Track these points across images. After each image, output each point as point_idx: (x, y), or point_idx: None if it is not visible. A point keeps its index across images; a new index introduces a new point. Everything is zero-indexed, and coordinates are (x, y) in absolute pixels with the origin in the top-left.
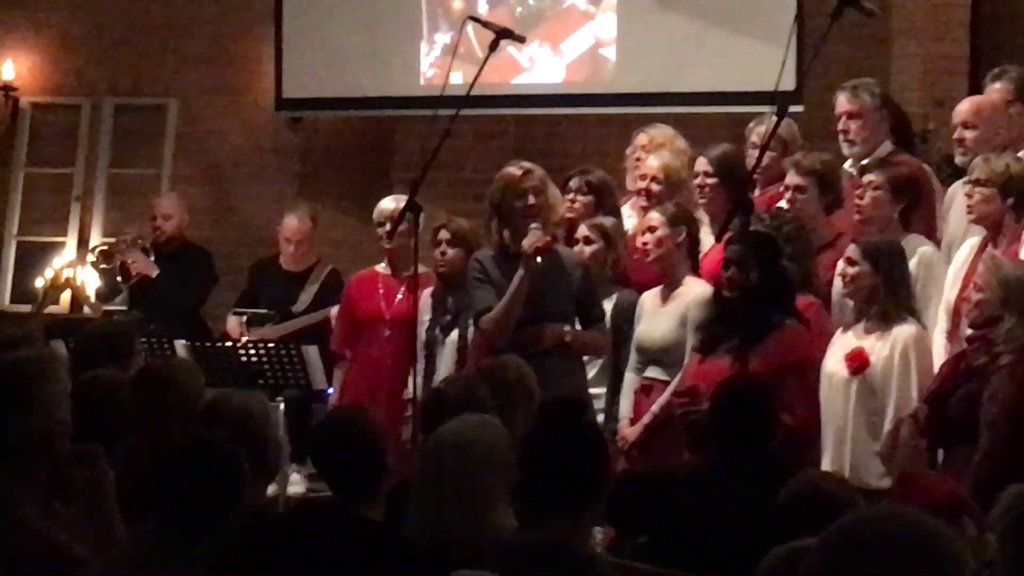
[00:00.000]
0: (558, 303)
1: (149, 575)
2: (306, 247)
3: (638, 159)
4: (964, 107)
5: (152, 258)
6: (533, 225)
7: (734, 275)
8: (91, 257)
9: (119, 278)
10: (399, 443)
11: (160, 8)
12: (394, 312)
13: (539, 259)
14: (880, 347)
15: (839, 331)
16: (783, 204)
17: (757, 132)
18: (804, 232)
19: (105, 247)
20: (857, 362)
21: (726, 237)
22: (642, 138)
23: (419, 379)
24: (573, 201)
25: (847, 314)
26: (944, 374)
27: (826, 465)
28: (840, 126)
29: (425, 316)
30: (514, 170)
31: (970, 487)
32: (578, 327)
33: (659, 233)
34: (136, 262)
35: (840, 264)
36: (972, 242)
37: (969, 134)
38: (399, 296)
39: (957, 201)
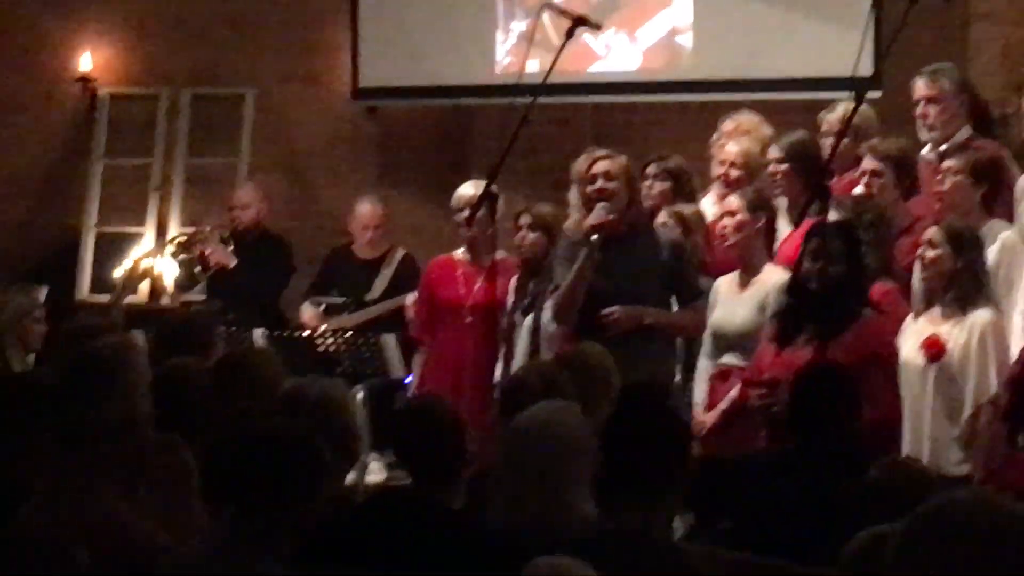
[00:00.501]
0: (645, 284)
1: (230, 563)
2: (380, 233)
3: (722, 145)
4: None
5: (231, 248)
6: (600, 205)
7: (823, 267)
8: (170, 248)
9: (197, 268)
10: (487, 431)
11: None
12: (476, 299)
13: (595, 236)
14: (957, 333)
15: (910, 317)
16: (859, 189)
17: (828, 120)
18: (885, 219)
19: (184, 238)
20: (935, 349)
21: (806, 226)
22: (728, 124)
23: (499, 366)
24: (651, 188)
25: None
26: None
27: (904, 451)
28: (919, 111)
29: (510, 302)
30: (582, 159)
31: None
32: (675, 308)
33: (739, 218)
34: (214, 252)
35: (920, 247)
36: None
37: None
38: (479, 283)
39: None
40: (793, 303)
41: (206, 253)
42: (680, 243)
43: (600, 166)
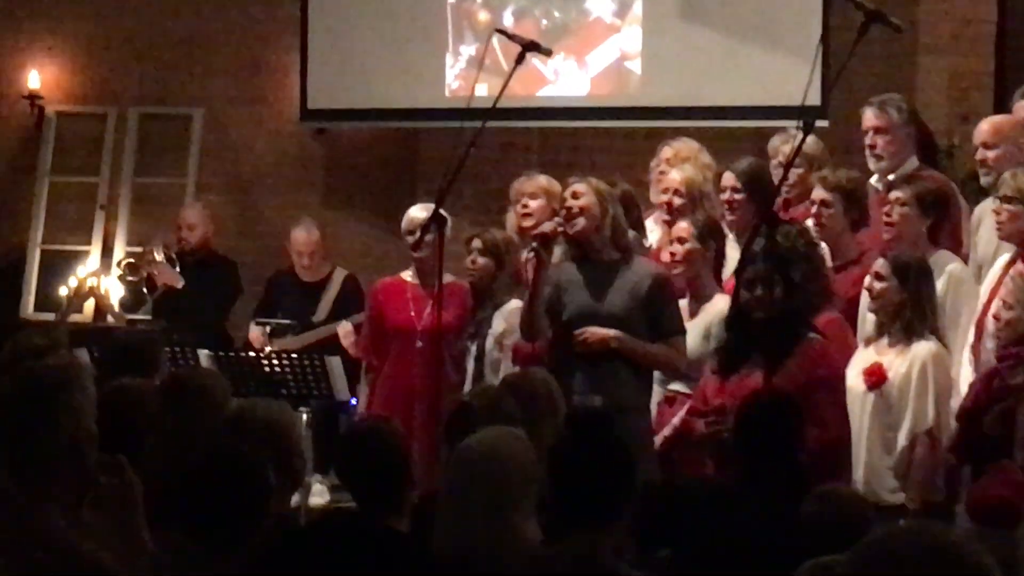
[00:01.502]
0: (620, 309)
1: None
2: (319, 258)
3: (662, 172)
4: (984, 127)
5: (177, 268)
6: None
7: (763, 294)
8: (117, 270)
9: (144, 289)
10: (436, 456)
11: (186, 18)
12: (426, 324)
13: (534, 244)
14: (899, 363)
15: (860, 346)
16: (810, 221)
17: (782, 150)
18: (816, 248)
19: (132, 260)
20: (875, 377)
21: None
22: (667, 151)
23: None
24: None
25: (869, 329)
26: (977, 391)
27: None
28: (867, 141)
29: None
30: (521, 179)
31: None
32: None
33: (688, 246)
34: (162, 273)
35: (867, 278)
36: (1003, 260)
37: (991, 153)
38: (429, 307)
39: (986, 221)
40: (738, 331)
41: (154, 274)
42: (664, 277)
43: (574, 187)
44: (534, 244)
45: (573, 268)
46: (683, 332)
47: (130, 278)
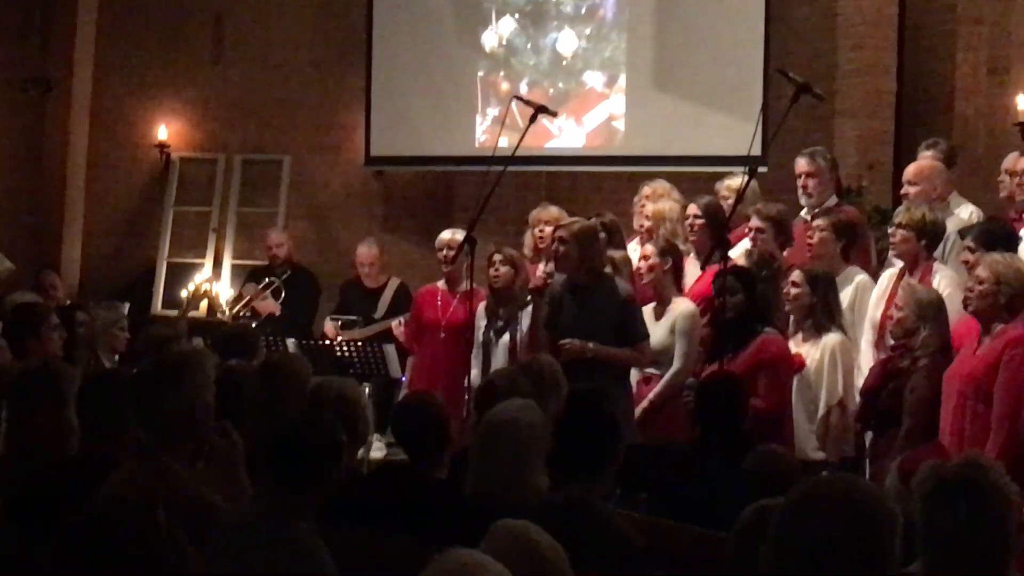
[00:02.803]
0: (598, 327)
1: (270, 522)
2: (378, 268)
3: (642, 206)
4: (910, 169)
5: (278, 298)
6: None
7: (736, 300)
8: (228, 311)
9: (249, 314)
10: (459, 421)
11: (278, 86)
12: (448, 320)
13: (531, 296)
14: (813, 352)
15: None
16: (747, 243)
17: (727, 187)
18: (779, 272)
19: (242, 302)
20: (799, 364)
21: (712, 269)
22: (646, 190)
23: (475, 372)
24: None
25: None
26: (876, 373)
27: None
28: (800, 183)
29: (481, 323)
30: (537, 210)
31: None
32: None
33: (651, 262)
34: (263, 304)
35: (787, 287)
36: (891, 272)
37: (912, 189)
38: (452, 307)
39: None
40: (716, 329)
41: (256, 306)
42: (631, 296)
43: (558, 233)
44: (530, 296)
45: (565, 292)
46: (646, 337)
47: (236, 308)
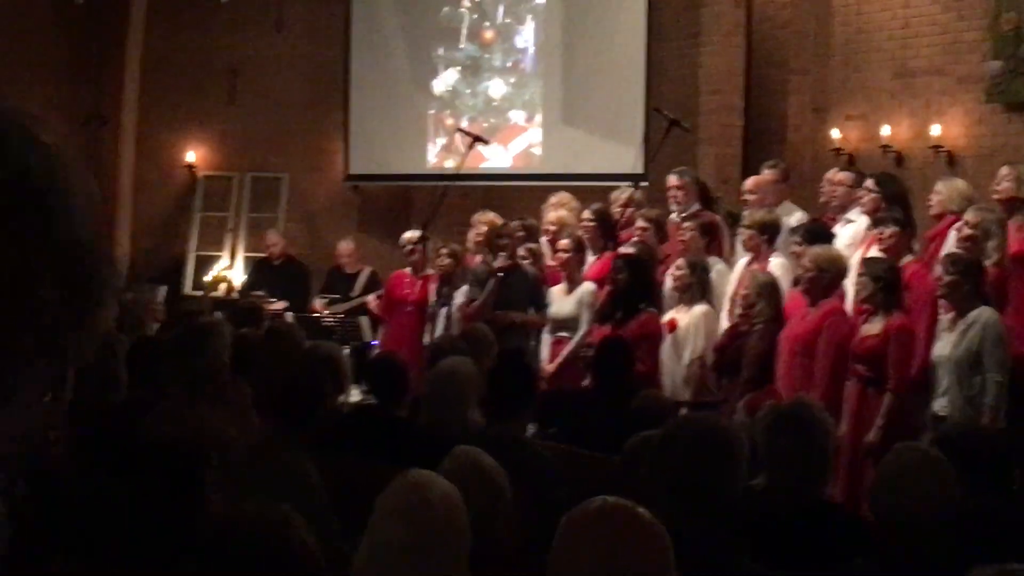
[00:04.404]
0: (518, 300)
1: (274, 450)
2: (354, 259)
3: (549, 211)
4: (748, 183)
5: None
6: (501, 255)
7: (622, 279)
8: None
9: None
10: (418, 373)
11: (278, 120)
12: (414, 297)
13: (500, 274)
14: (685, 318)
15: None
16: (636, 238)
17: (618, 199)
18: (656, 260)
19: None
20: (672, 326)
21: (605, 257)
22: (553, 199)
23: (427, 336)
24: (514, 235)
25: (672, 301)
26: (727, 334)
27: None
28: (671, 194)
29: (432, 299)
30: (479, 214)
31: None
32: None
33: (569, 255)
34: (273, 306)
35: (672, 271)
36: (743, 261)
37: (751, 198)
38: (416, 288)
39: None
40: (607, 300)
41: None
42: (538, 277)
43: (507, 231)
44: (500, 273)
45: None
46: (546, 306)
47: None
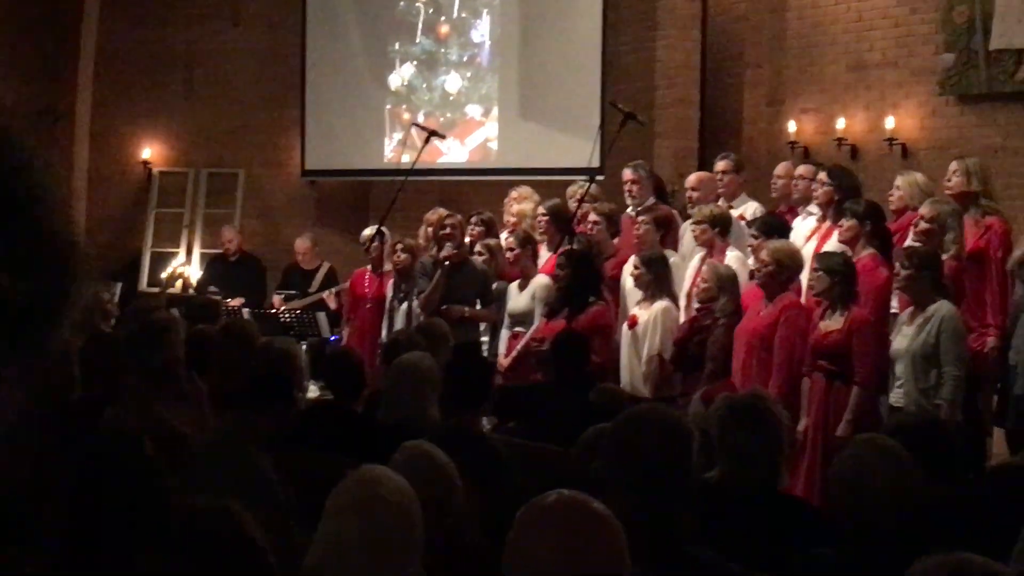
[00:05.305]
0: (466, 294)
1: (231, 447)
2: (312, 255)
3: (510, 206)
4: (691, 179)
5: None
6: (448, 244)
7: (565, 274)
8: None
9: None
10: (375, 368)
11: (234, 115)
12: (372, 294)
13: (446, 263)
14: (645, 314)
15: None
16: (590, 229)
17: (574, 193)
18: (601, 252)
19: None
20: (632, 322)
21: (559, 252)
22: (513, 193)
23: (384, 331)
24: (472, 230)
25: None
26: (686, 328)
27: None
28: (627, 188)
29: (389, 295)
30: (431, 212)
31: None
32: (479, 307)
33: (515, 252)
34: (230, 303)
35: (629, 267)
36: (700, 254)
37: (695, 194)
38: (376, 285)
39: (687, 235)
40: (556, 295)
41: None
42: (487, 272)
43: (449, 221)
44: (447, 262)
45: (433, 267)
46: (494, 301)
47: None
